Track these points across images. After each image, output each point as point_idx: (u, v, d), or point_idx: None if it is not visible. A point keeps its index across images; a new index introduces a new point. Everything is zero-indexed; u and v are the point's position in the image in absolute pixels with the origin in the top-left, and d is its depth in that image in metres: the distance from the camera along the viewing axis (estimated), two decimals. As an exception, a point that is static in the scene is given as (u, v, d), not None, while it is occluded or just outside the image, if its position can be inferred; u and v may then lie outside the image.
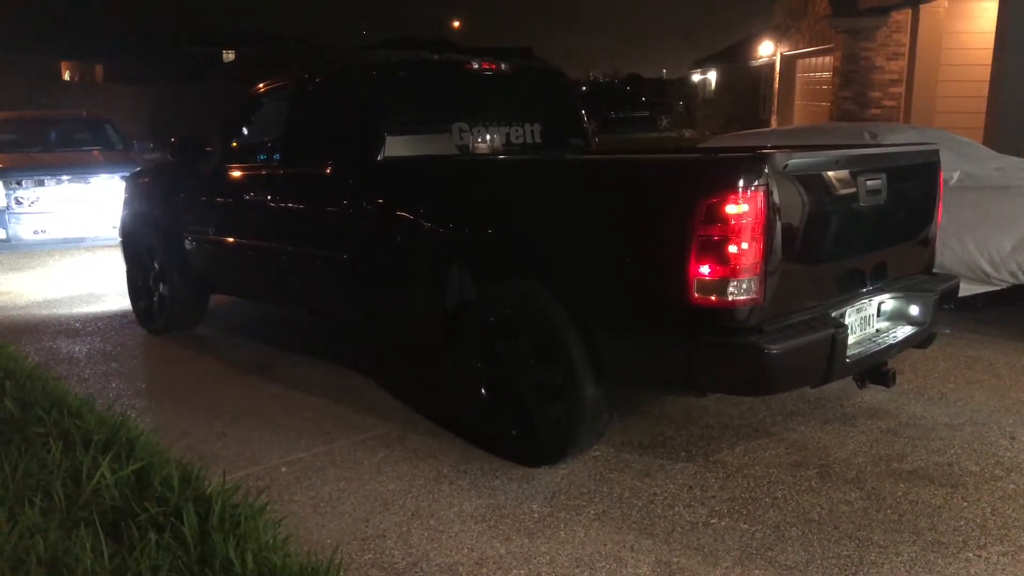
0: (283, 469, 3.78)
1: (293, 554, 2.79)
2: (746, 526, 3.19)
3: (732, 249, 2.99)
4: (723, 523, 3.22)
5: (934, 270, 4.25)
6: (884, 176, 3.59)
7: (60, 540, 2.76)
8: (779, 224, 3.10)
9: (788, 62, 19.83)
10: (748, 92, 24.60)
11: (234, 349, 5.85)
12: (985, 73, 11.39)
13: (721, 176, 3.04)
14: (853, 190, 3.46)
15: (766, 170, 3.01)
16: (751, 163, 3.02)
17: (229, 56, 51.74)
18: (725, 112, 24.87)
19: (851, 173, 3.45)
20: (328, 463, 3.84)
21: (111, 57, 44.21)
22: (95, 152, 10.88)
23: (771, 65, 21.42)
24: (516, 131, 4.95)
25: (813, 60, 18.07)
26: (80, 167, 9.95)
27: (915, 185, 3.99)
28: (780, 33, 20.19)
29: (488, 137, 4.81)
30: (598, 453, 3.85)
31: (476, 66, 4.83)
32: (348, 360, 5.37)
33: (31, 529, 2.82)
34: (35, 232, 9.54)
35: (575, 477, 3.62)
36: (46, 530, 2.83)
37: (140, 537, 2.80)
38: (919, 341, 3.94)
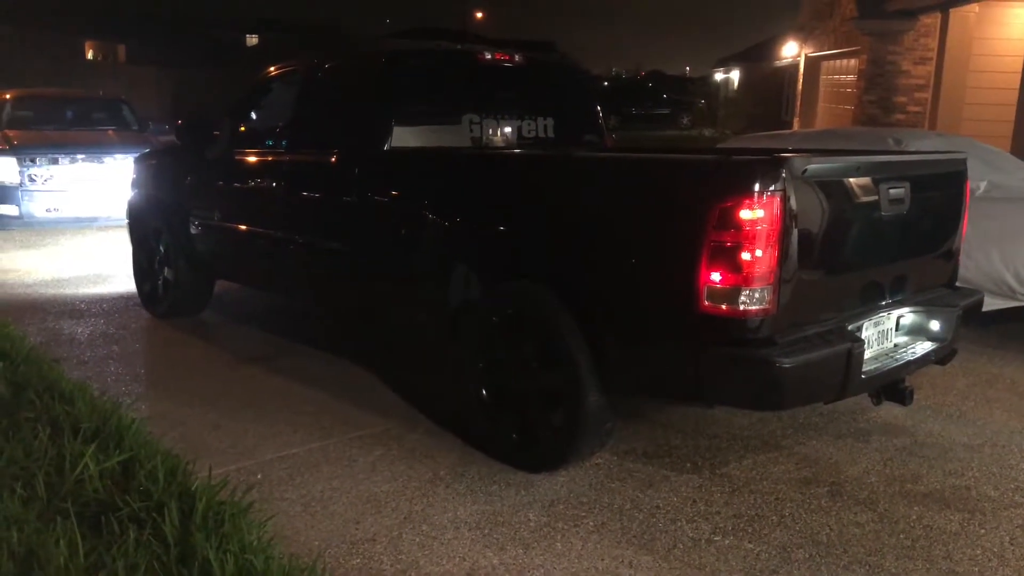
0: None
1: (276, 557, 2.69)
2: (751, 545, 3.06)
3: (745, 256, 2.86)
4: (727, 541, 3.09)
5: (957, 284, 4.10)
6: (908, 184, 3.45)
7: (37, 533, 2.67)
8: (795, 231, 2.96)
9: (812, 64, 19.57)
10: (771, 93, 24.32)
11: (238, 337, 5.76)
12: (1015, 81, 11.16)
13: (736, 179, 2.90)
14: (875, 198, 3.31)
15: (784, 175, 2.88)
16: (768, 167, 2.89)
17: (252, 41, 51.78)
18: (747, 112, 24.58)
19: (873, 180, 3.30)
20: (322, 459, 3.74)
21: (135, 38, 44.31)
22: (110, 132, 10.88)
23: (795, 66, 21.15)
24: (528, 125, 4.82)
25: (838, 62, 17.81)
26: (94, 146, 9.94)
27: (940, 195, 3.84)
28: (805, 34, 19.92)
29: (499, 130, 4.68)
30: (600, 461, 3.73)
31: (489, 57, 4.70)
32: (352, 354, 5.27)
33: (8, 520, 2.73)
34: (48, 210, 9.54)
35: (575, 485, 3.51)
36: (24, 521, 2.74)
37: (120, 532, 2.71)
38: (939, 357, 3.79)
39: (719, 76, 33.37)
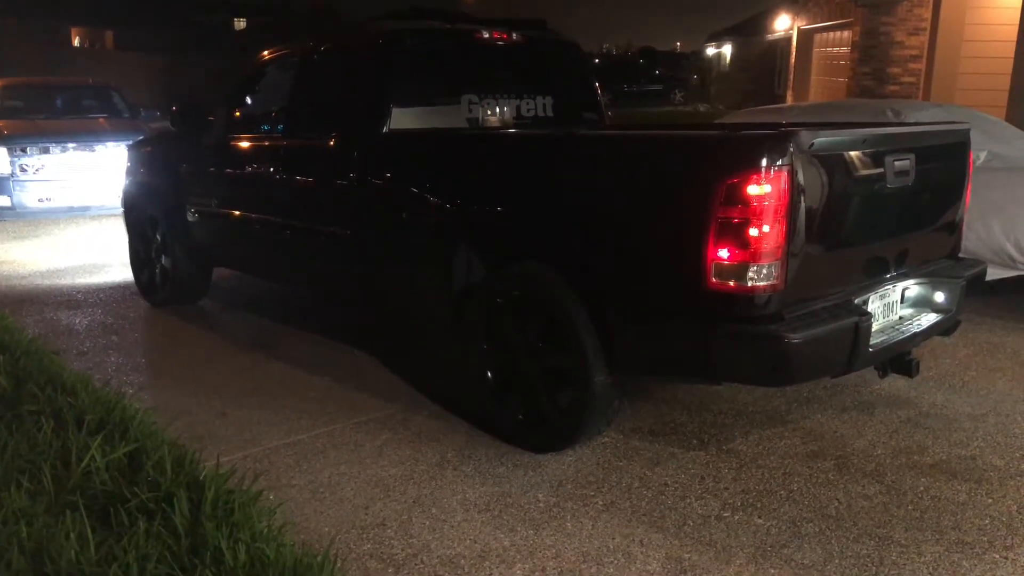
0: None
1: (288, 544, 2.68)
2: (760, 521, 3.06)
3: (753, 232, 2.84)
4: (736, 517, 3.09)
5: (960, 255, 4.09)
6: (913, 156, 3.42)
7: (46, 526, 2.65)
8: (803, 206, 2.94)
9: (805, 36, 19.44)
10: (764, 67, 24.19)
11: (238, 324, 5.74)
12: (1009, 50, 11.10)
13: (743, 155, 2.87)
14: (880, 171, 3.29)
15: (791, 149, 2.85)
16: (775, 141, 2.86)
17: (240, 24, 51.25)
18: (740, 87, 24.48)
19: (879, 153, 3.28)
20: (329, 445, 3.73)
21: (121, 24, 43.85)
22: (101, 120, 10.75)
23: (788, 39, 21.03)
24: (527, 104, 4.78)
25: (831, 35, 17.70)
26: (86, 135, 9.83)
27: (944, 166, 3.82)
28: (798, 6, 19.79)
29: (498, 110, 4.64)
30: (607, 440, 3.73)
31: (487, 36, 4.64)
32: (354, 338, 5.25)
33: (16, 514, 2.71)
34: (40, 200, 9.44)
35: (583, 465, 3.50)
36: (33, 515, 2.72)
37: (129, 524, 2.69)
38: (944, 329, 3.78)
39: (711, 51, 33.18)
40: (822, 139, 2.97)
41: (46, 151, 9.47)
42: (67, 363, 4.58)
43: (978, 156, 5.37)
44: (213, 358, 4.98)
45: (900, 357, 3.62)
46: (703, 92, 29.00)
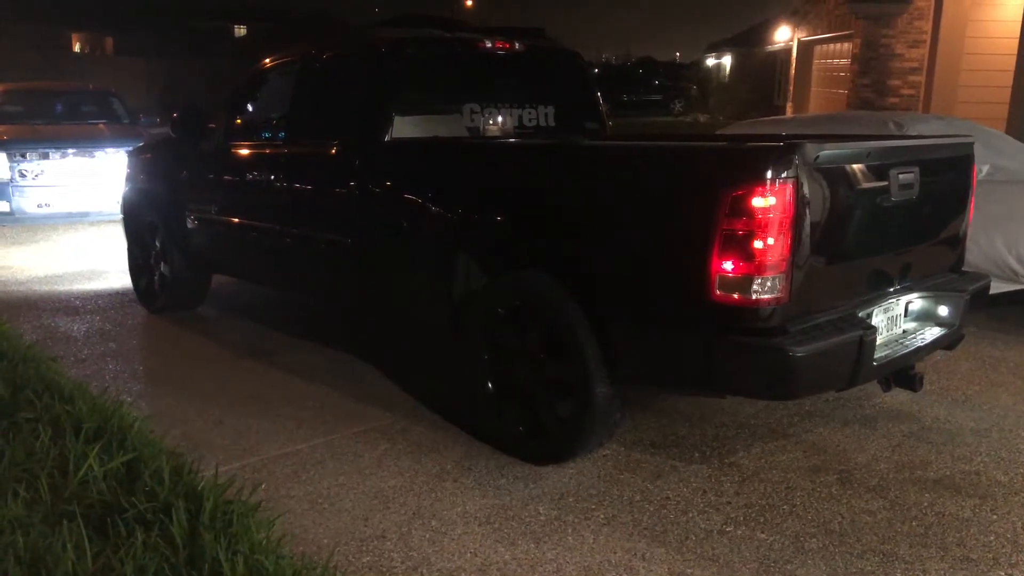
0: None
1: (287, 556, 2.65)
2: (763, 536, 3.04)
3: (757, 244, 2.82)
4: (739, 532, 3.06)
5: (963, 268, 4.07)
6: (917, 169, 3.41)
7: (43, 536, 2.62)
8: (808, 219, 2.93)
9: (805, 48, 19.49)
10: (763, 78, 24.25)
11: (236, 332, 5.71)
12: (1009, 63, 11.13)
13: (749, 167, 2.86)
14: (885, 184, 3.27)
15: (796, 161, 2.84)
16: (781, 153, 2.84)
17: (240, 31, 51.32)
18: (740, 98, 24.50)
19: (884, 166, 3.26)
20: (327, 455, 3.70)
21: (122, 29, 43.88)
22: (101, 125, 10.74)
23: (787, 51, 21.08)
24: (529, 113, 4.77)
25: (831, 46, 17.73)
26: (85, 140, 9.81)
27: (948, 179, 3.81)
28: (798, 18, 19.84)
29: (500, 119, 4.62)
30: (608, 452, 3.70)
31: (488, 45, 4.64)
32: (353, 347, 5.23)
33: (13, 523, 2.68)
34: (39, 206, 9.42)
35: (584, 477, 3.47)
36: (29, 525, 2.69)
37: (127, 534, 2.66)
38: (948, 343, 3.76)
39: (711, 62, 33.29)
40: (827, 152, 2.96)
41: (46, 157, 9.45)
42: (65, 370, 4.55)
43: (980, 169, 5.35)
44: (210, 366, 4.95)
45: (903, 371, 3.60)
46: (703, 102, 29.01)
